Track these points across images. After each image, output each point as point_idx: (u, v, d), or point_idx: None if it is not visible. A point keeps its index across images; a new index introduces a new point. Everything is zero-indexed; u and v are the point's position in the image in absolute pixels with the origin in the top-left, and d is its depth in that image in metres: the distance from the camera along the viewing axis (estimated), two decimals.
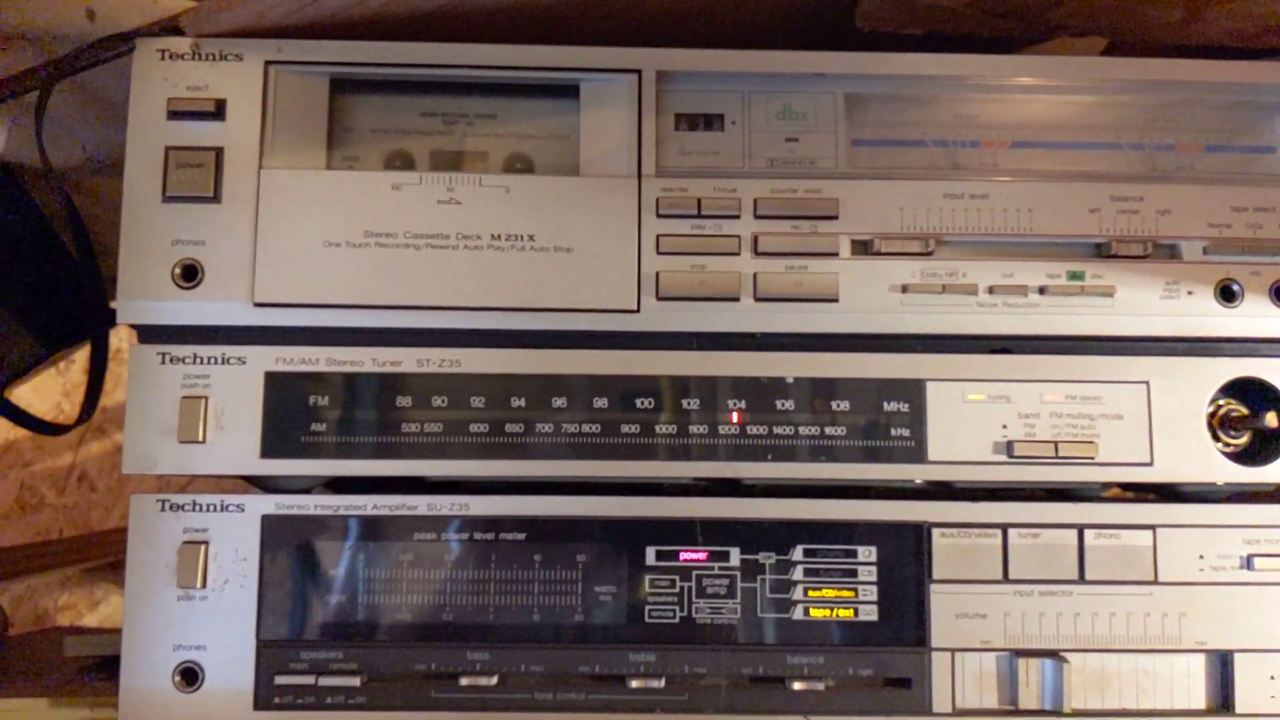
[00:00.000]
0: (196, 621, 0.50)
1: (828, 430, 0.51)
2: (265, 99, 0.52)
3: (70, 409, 0.62)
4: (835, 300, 0.52)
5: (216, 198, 0.51)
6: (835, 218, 0.52)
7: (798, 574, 0.51)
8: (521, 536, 0.51)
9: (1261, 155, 0.55)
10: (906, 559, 0.51)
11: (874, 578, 0.51)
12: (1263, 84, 0.55)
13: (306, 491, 0.52)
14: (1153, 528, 0.51)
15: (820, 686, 0.50)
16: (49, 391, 0.97)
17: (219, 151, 0.51)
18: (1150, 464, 0.51)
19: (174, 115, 0.51)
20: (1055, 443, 0.51)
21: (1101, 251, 0.52)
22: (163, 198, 0.51)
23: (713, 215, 0.52)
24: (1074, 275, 0.52)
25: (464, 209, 0.51)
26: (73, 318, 0.62)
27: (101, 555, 0.89)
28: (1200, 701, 0.51)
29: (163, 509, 0.50)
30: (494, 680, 0.50)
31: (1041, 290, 0.52)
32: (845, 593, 0.51)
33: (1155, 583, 0.51)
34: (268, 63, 0.52)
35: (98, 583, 0.93)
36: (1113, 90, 0.55)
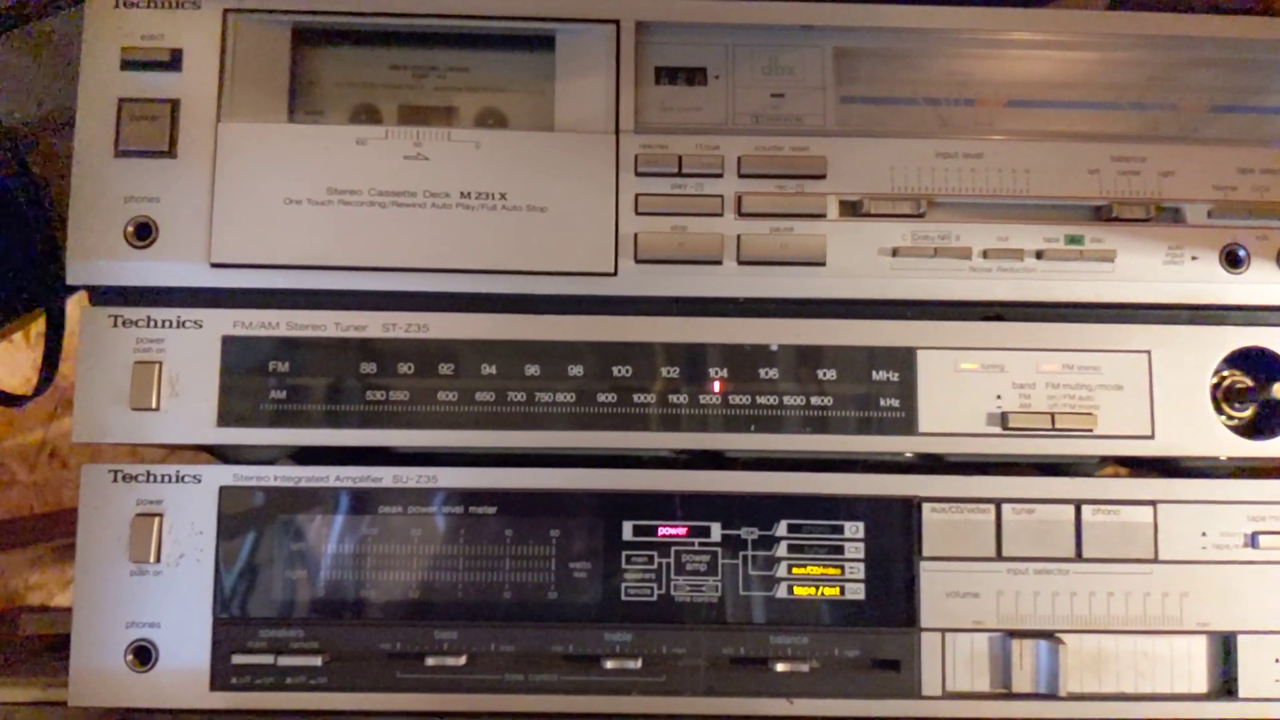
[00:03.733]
0: (150, 598, 0.48)
1: (814, 400, 0.49)
2: (224, 49, 0.49)
3: None
4: (822, 264, 0.49)
5: (172, 152, 0.48)
6: (823, 177, 0.50)
7: (781, 550, 0.49)
8: (492, 510, 0.49)
9: (1270, 116, 0.53)
10: (895, 535, 0.49)
11: (861, 555, 0.49)
12: (1272, 40, 0.52)
13: (269, 463, 0.49)
14: (1153, 504, 0.49)
15: (804, 668, 0.48)
16: (20, 365, 0.94)
17: (174, 104, 0.49)
18: (1151, 437, 0.49)
19: (127, 65, 0.49)
20: (1052, 414, 0.49)
21: (1101, 214, 0.50)
22: (115, 152, 0.48)
23: (694, 174, 0.49)
24: (1072, 239, 0.50)
25: (432, 165, 0.49)
26: (27, 284, 0.60)
27: (72, 533, 0.87)
28: (1201, 684, 0.49)
29: (115, 480, 0.48)
30: (462, 660, 0.47)
31: (1038, 254, 0.50)
32: (831, 570, 0.49)
33: (1155, 561, 0.49)
34: (226, 11, 0.49)
35: (69, 562, 0.91)
36: (1113, 46, 0.52)
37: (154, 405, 0.47)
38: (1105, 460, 0.52)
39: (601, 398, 0.49)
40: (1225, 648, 0.48)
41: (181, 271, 0.48)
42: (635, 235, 0.49)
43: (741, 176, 0.49)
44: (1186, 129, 0.52)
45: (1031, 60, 0.52)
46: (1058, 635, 0.48)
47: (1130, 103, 0.53)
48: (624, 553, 0.49)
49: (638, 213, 0.49)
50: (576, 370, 0.49)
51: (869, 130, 0.51)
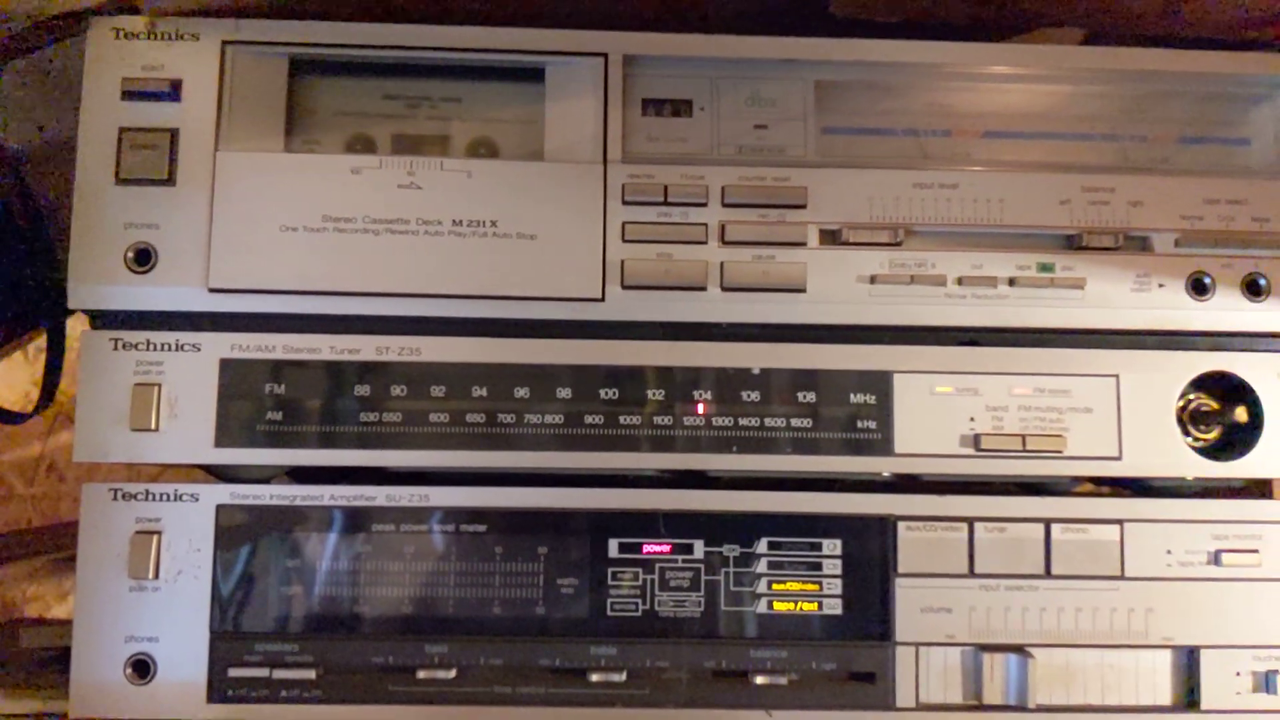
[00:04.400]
0: (149, 613, 0.49)
1: (794, 422, 0.51)
2: (222, 80, 0.50)
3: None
4: (803, 290, 0.51)
5: (171, 180, 0.50)
6: (804, 207, 0.51)
7: (762, 567, 0.50)
8: (482, 528, 0.50)
9: (1236, 148, 0.55)
10: (872, 552, 0.50)
11: (838, 571, 0.50)
12: (1240, 75, 0.54)
13: (266, 481, 0.51)
14: (1120, 522, 0.51)
15: (783, 681, 0.49)
16: (18, 380, 0.95)
17: (174, 133, 0.50)
18: (1119, 458, 0.51)
19: (128, 95, 0.50)
20: (1023, 436, 0.51)
21: (1072, 243, 0.52)
22: (116, 180, 0.50)
23: (679, 203, 0.51)
24: (1044, 267, 0.52)
25: (425, 194, 0.50)
26: (29, 304, 0.61)
27: (70, 546, 0.87)
28: (1166, 697, 0.50)
29: (115, 498, 0.49)
30: (452, 674, 0.49)
31: (1011, 282, 0.51)
32: (809, 586, 0.50)
33: (1122, 578, 0.50)
34: (225, 42, 0.51)
35: (66, 574, 0.92)
36: (1087, 80, 0.54)
37: (153, 426, 0.49)
38: (1075, 480, 0.54)
39: (589, 419, 0.50)
40: (1189, 661, 0.50)
41: (180, 296, 0.49)
42: (622, 262, 0.50)
43: (725, 206, 0.51)
44: (1155, 160, 0.54)
45: (1007, 93, 0.54)
46: (1027, 649, 0.50)
47: (1101, 134, 0.54)
48: (610, 569, 0.50)
49: (624, 240, 0.51)
50: (565, 393, 0.50)
51: (849, 161, 0.52)
